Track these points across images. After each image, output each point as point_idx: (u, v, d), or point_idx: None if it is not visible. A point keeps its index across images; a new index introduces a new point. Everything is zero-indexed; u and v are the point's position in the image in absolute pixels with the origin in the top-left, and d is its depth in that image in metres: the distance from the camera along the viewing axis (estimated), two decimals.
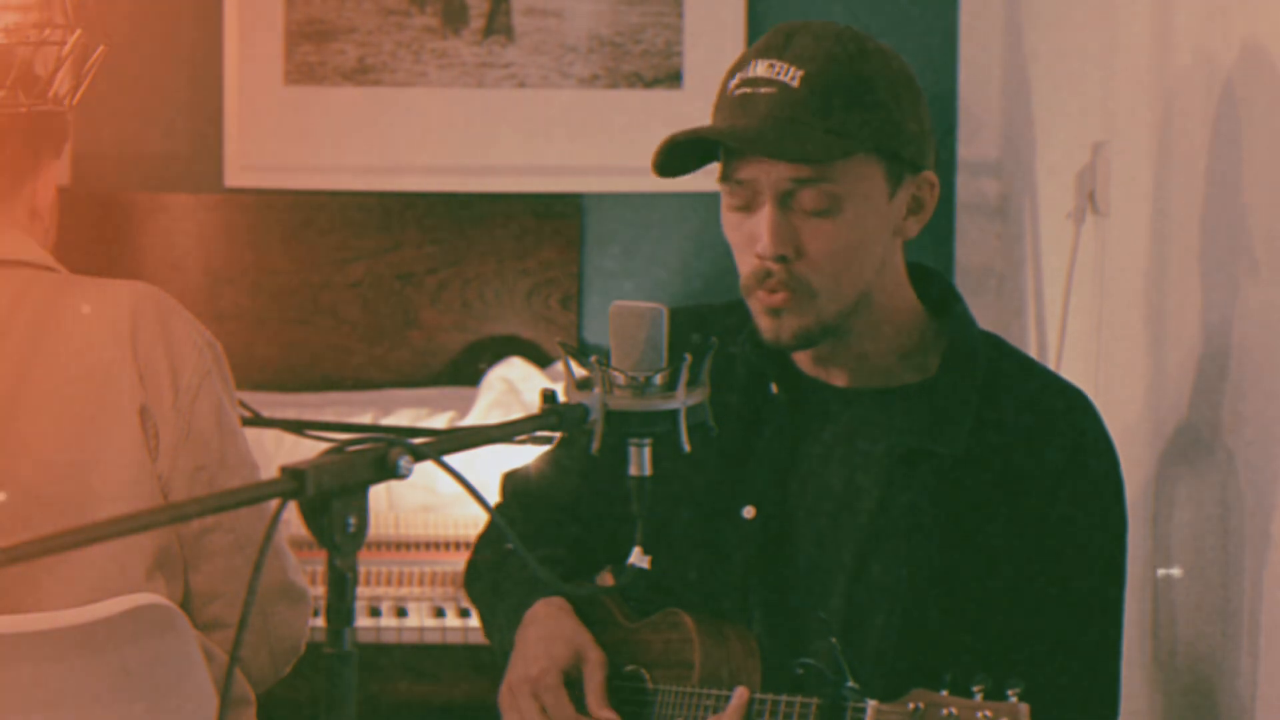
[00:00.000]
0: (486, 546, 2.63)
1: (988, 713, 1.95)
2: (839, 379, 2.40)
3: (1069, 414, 2.37)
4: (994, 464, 2.33)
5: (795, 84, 2.26)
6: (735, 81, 2.31)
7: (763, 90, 2.27)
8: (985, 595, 2.32)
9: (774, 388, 2.40)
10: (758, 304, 2.31)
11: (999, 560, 2.32)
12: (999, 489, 2.33)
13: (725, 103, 2.31)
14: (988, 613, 2.32)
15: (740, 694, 2.23)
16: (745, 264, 2.32)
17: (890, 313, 2.37)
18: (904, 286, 2.39)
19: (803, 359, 2.42)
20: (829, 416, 2.39)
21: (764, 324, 2.32)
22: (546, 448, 2.64)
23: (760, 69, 2.29)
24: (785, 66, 2.27)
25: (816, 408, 2.40)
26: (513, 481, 2.64)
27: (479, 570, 2.61)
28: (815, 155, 2.25)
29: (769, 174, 2.27)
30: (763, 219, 2.28)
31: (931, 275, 2.44)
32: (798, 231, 2.28)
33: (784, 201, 2.28)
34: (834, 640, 2.13)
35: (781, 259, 2.28)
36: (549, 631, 2.40)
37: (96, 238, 4.02)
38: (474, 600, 2.61)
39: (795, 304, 2.30)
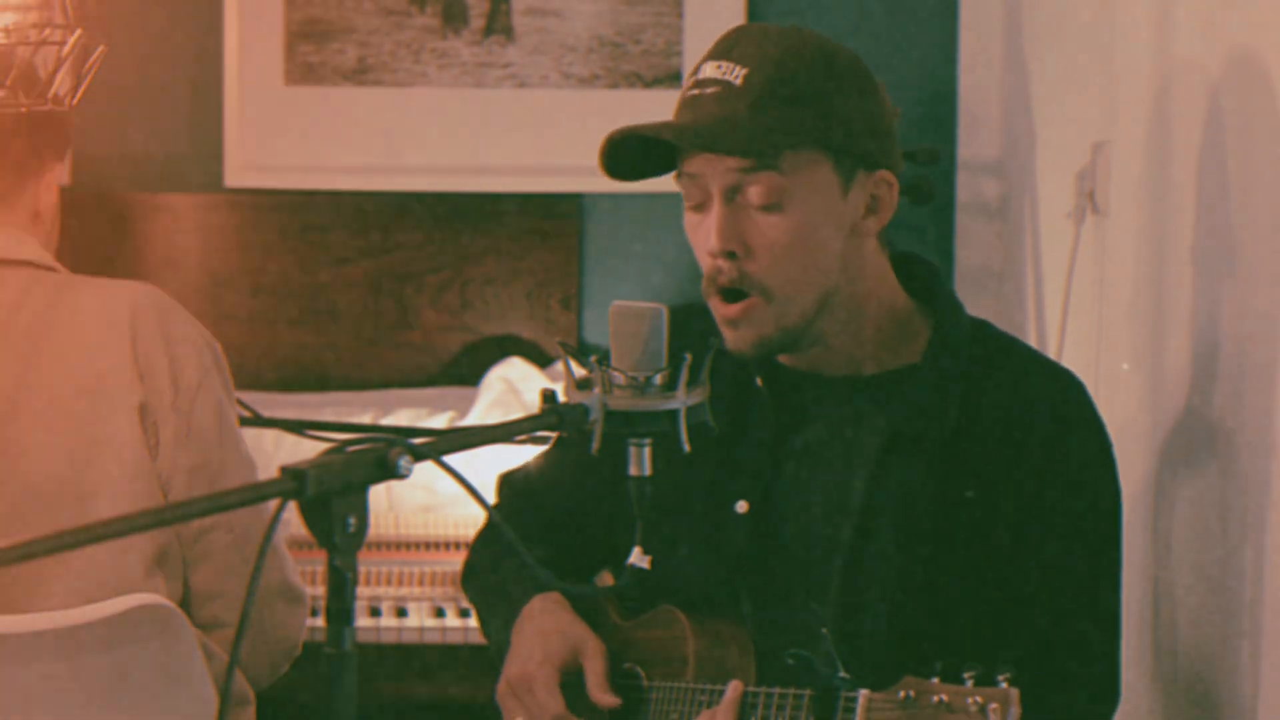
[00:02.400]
0: (484, 545, 2.63)
1: (978, 698, 1.95)
2: (823, 368, 2.40)
3: (1056, 393, 2.37)
4: (983, 446, 2.33)
5: (738, 82, 2.29)
6: (688, 84, 2.35)
7: (708, 90, 2.31)
8: (980, 578, 2.32)
9: (759, 381, 2.41)
10: (716, 314, 2.33)
11: (992, 542, 2.32)
12: (989, 470, 2.33)
13: (678, 105, 2.36)
14: (983, 596, 2.32)
15: (734, 688, 2.23)
16: (702, 263, 2.34)
17: (865, 306, 2.37)
18: (881, 281, 2.39)
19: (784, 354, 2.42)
20: (816, 407, 2.40)
21: (725, 335, 2.34)
22: (544, 447, 2.64)
23: (708, 70, 2.33)
24: (731, 66, 2.31)
25: (803, 399, 2.41)
26: (510, 482, 2.64)
27: (476, 568, 2.61)
28: (749, 147, 2.27)
29: (714, 168, 2.30)
30: (712, 217, 2.30)
31: (916, 263, 2.44)
32: (745, 228, 2.30)
33: (730, 196, 2.30)
34: (825, 631, 2.14)
35: (730, 255, 2.30)
36: (546, 626, 2.41)
37: (96, 238, 4.02)
38: (471, 598, 2.62)
39: (751, 312, 2.31)
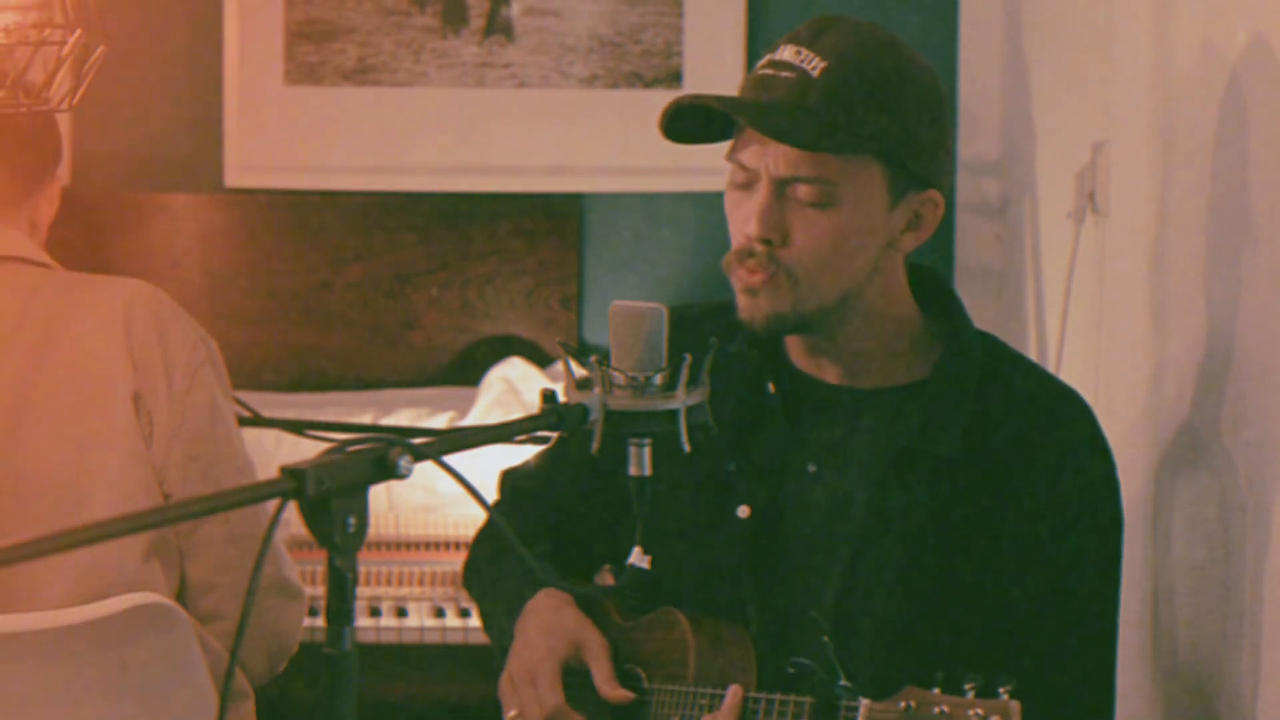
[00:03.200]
0: (485, 542, 2.63)
1: (979, 710, 1.95)
2: (833, 376, 2.40)
3: (1064, 415, 2.37)
4: (989, 464, 2.33)
5: (815, 74, 2.27)
6: (763, 62, 2.33)
7: (783, 74, 2.29)
8: (980, 595, 2.32)
9: (771, 387, 2.40)
10: (737, 281, 2.33)
11: (993, 560, 2.32)
12: (994, 489, 2.33)
13: (748, 81, 2.34)
14: (982, 613, 2.32)
15: (734, 692, 2.23)
16: (735, 240, 2.33)
17: (883, 317, 2.37)
18: (901, 294, 2.39)
19: (798, 355, 2.42)
20: (825, 415, 2.40)
21: (741, 303, 2.33)
22: (544, 446, 2.64)
23: (787, 54, 2.31)
24: (810, 55, 2.29)
25: (812, 406, 2.40)
26: (511, 479, 2.64)
27: (477, 565, 2.61)
28: (812, 144, 2.26)
29: (769, 155, 2.28)
30: (756, 201, 2.29)
31: (929, 276, 2.44)
32: (788, 219, 2.29)
33: (780, 190, 2.29)
34: (826, 639, 2.14)
35: (766, 242, 2.29)
36: (549, 622, 2.40)
37: (97, 238, 4.02)
38: (472, 595, 2.61)
39: (772, 286, 2.30)
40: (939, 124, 2.33)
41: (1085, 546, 2.35)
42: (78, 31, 2.58)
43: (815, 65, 2.28)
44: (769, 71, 2.31)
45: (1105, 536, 2.37)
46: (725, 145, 2.36)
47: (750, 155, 2.30)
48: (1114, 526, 2.38)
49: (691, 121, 2.35)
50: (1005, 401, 2.36)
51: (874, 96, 2.27)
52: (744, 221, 2.31)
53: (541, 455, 2.61)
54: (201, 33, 4.14)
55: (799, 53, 2.30)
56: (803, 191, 2.28)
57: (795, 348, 2.42)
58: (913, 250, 2.37)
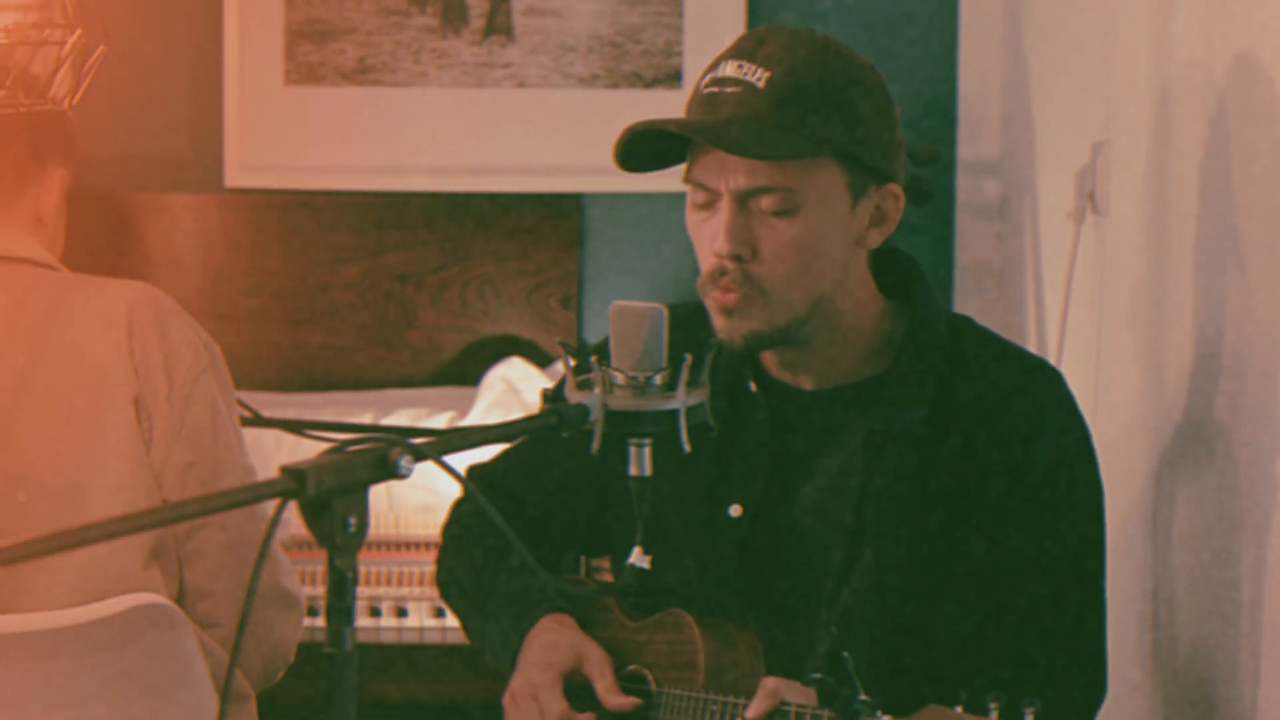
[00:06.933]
0: (459, 548, 2.60)
1: None
2: (806, 383, 2.41)
3: (1034, 385, 2.38)
4: (959, 442, 2.34)
5: (760, 85, 2.28)
6: (705, 81, 2.34)
7: (728, 90, 2.30)
8: (965, 572, 2.32)
9: (753, 386, 2.41)
10: (712, 303, 2.33)
11: (975, 536, 2.33)
12: (967, 466, 2.33)
13: (694, 101, 2.35)
14: (969, 589, 2.32)
15: (767, 692, 2.21)
16: (704, 262, 2.34)
17: (853, 319, 2.38)
18: (868, 293, 2.40)
19: (770, 363, 2.42)
20: (802, 419, 2.40)
21: (718, 324, 2.34)
22: (512, 444, 2.63)
23: (729, 70, 2.32)
24: (753, 68, 2.30)
25: (791, 410, 2.41)
26: (474, 475, 2.62)
27: (454, 577, 2.58)
28: (770, 151, 2.26)
29: (728, 171, 2.29)
30: (721, 218, 2.29)
31: (898, 262, 2.44)
32: (754, 232, 2.30)
33: (743, 203, 2.30)
34: (846, 655, 2.12)
35: (737, 258, 2.29)
36: (551, 640, 2.41)
37: (96, 238, 4.02)
38: (454, 610, 2.59)
39: (746, 305, 2.31)
40: (887, 117, 2.34)
41: (1061, 513, 2.35)
42: (78, 31, 2.58)
43: (759, 76, 2.29)
44: (714, 89, 2.31)
45: (1080, 504, 2.37)
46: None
47: (708, 174, 2.31)
48: (1089, 493, 2.38)
49: (644, 148, 2.35)
50: (972, 378, 2.37)
51: (822, 98, 2.28)
52: (710, 241, 2.32)
53: (510, 455, 2.60)
54: (201, 33, 4.14)
55: (741, 66, 2.31)
56: (765, 202, 2.29)
57: (769, 359, 2.43)
58: (877, 245, 2.37)
